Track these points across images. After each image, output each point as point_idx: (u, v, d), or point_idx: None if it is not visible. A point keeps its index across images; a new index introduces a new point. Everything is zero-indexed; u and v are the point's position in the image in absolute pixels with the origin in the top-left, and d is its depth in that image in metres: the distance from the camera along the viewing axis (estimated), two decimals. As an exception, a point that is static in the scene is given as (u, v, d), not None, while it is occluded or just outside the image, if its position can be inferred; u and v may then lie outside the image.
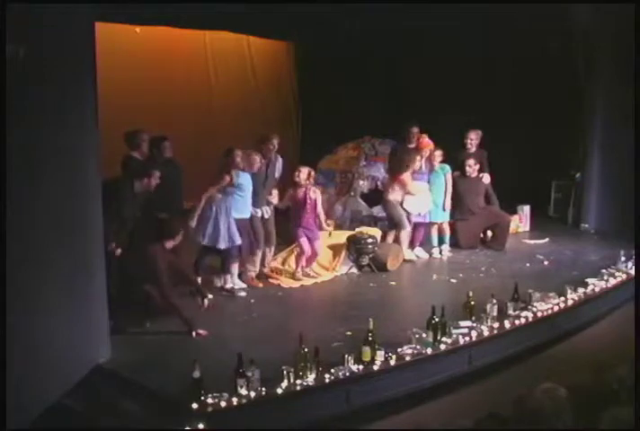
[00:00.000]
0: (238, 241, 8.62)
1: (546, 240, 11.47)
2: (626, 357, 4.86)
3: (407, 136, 10.83)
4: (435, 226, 10.71)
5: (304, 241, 9.34)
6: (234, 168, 8.67)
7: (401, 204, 10.28)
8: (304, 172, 9.36)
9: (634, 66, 10.53)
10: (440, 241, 10.74)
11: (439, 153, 10.53)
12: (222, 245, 8.54)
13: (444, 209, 10.61)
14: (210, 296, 7.76)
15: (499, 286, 8.53)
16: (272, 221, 9.41)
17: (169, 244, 7.62)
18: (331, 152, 12.57)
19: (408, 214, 10.31)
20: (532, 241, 11.58)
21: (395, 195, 10.26)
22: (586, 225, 12.43)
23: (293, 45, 15.15)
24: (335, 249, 9.83)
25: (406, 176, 10.21)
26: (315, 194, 9.43)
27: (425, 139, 10.78)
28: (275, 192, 9.40)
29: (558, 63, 12.08)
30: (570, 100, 12.20)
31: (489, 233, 11.17)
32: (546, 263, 10.24)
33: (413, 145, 10.73)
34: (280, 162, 9.55)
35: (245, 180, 8.78)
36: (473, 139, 10.84)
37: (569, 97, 12.18)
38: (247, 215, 8.90)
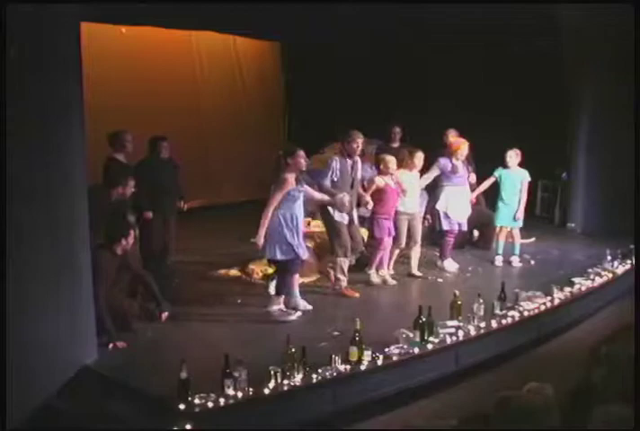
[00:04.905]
0: (306, 254, 8.00)
1: (533, 239, 11.49)
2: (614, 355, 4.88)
3: (389, 136, 10.86)
4: (504, 232, 10.31)
5: (389, 234, 9.10)
6: (296, 170, 7.86)
7: (445, 211, 9.75)
8: (393, 161, 9.08)
9: (634, 67, 10.53)
10: (512, 250, 10.28)
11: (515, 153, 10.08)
12: (279, 257, 7.78)
13: (514, 217, 10.14)
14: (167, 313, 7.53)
15: (485, 286, 8.55)
16: (358, 226, 8.94)
17: (118, 248, 7.21)
18: (318, 152, 12.57)
19: (451, 220, 9.78)
20: (519, 241, 11.61)
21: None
22: (572, 225, 12.49)
23: (280, 45, 15.17)
24: (322, 248, 9.81)
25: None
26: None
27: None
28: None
29: (545, 62, 12.11)
30: (556, 99, 12.24)
31: (476, 233, 11.18)
32: (532, 262, 10.29)
33: (396, 145, 10.75)
34: (360, 163, 8.92)
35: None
36: (453, 137, 10.69)
37: (555, 96, 12.22)
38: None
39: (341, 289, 8.66)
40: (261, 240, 7.65)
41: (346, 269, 8.71)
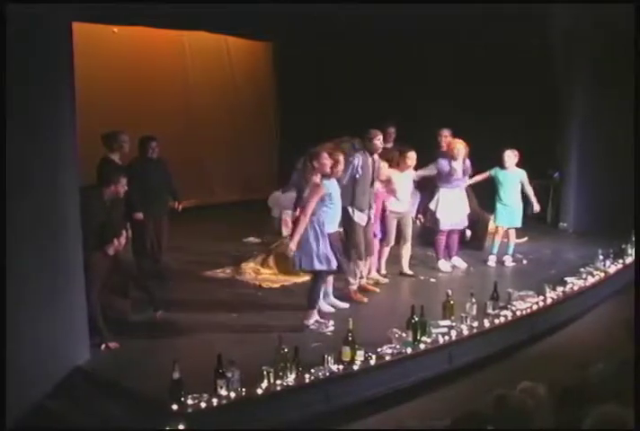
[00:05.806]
0: (335, 263, 7.51)
1: (525, 239, 11.50)
2: (605, 354, 4.89)
3: (384, 136, 10.82)
4: (500, 232, 10.26)
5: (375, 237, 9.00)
6: (322, 172, 7.52)
7: (434, 211, 9.73)
8: (386, 168, 9.04)
9: (634, 68, 10.52)
10: (505, 250, 10.28)
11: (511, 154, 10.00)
12: (318, 266, 7.37)
13: (532, 211, 10.22)
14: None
15: (478, 285, 8.56)
16: (371, 227, 8.74)
17: (110, 248, 7.17)
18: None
19: (440, 220, 9.75)
20: (511, 241, 11.61)
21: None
22: (564, 224, 12.51)
23: (272, 44, 15.16)
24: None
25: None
26: None
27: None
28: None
29: (535, 63, 12.12)
30: (547, 99, 12.25)
31: (468, 232, 11.17)
32: (525, 262, 10.29)
33: (390, 146, 10.74)
34: (379, 162, 8.80)
35: (333, 188, 7.68)
36: (447, 136, 10.66)
37: (546, 96, 12.23)
38: (336, 228, 7.85)
39: (349, 293, 8.42)
40: (295, 246, 7.24)
41: (359, 273, 8.53)
